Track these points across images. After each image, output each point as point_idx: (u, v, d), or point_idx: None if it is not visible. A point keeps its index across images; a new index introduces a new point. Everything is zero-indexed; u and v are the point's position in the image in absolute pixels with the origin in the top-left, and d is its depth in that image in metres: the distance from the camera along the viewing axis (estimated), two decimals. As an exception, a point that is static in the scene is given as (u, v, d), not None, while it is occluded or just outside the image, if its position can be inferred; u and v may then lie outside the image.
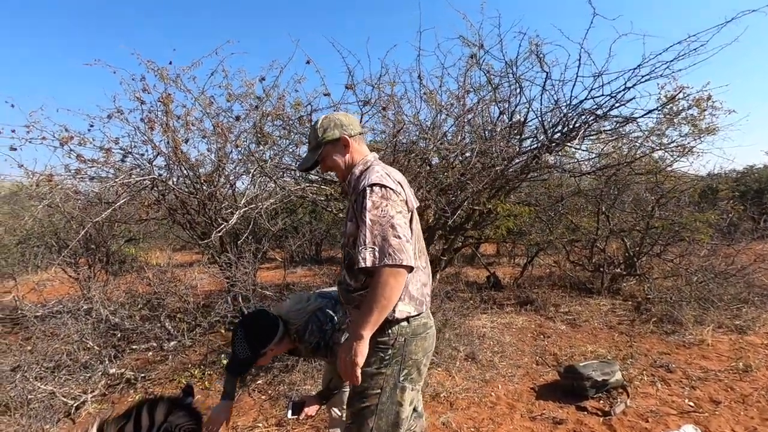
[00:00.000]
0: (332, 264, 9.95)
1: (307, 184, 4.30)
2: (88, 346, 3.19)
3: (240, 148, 4.78)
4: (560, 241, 5.90)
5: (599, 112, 3.83)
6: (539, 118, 4.04)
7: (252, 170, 4.42)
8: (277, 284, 6.26)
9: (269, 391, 3.12)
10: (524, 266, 6.78)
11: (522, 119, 4.26)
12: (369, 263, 1.29)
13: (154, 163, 4.51)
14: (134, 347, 3.87)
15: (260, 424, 2.69)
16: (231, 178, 5.01)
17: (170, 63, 4.35)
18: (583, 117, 3.93)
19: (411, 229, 1.43)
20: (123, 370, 3.33)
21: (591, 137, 4.41)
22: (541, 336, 4.14)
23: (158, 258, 9.10)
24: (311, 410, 1.95)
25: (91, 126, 4.33)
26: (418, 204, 1.70)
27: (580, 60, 3.63)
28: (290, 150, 4.79)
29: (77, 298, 4.33)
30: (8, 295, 4.18)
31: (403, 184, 1.49)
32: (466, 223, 4.68)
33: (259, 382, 3.26)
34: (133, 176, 4.19)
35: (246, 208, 3.55)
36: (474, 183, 3.81)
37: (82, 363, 3.13)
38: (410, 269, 1.31)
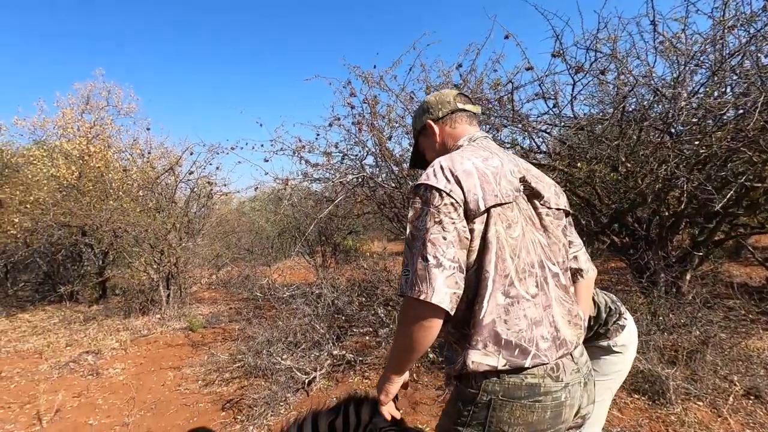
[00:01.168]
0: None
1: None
2: (317, 327, 3.62)
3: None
4: None
5: None
6: None
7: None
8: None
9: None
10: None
11: None
12: (401, 290, 1.00)
13: (364, 162, 4.88)
14: (354, 330, 4.26)
15: None
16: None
17: (374, 67, 4.60)
18: None
19: (487, 240, 0.99)
20: (344, 352, 3.66)
21: None
22: None
23: (375, 248, 10.16)
24: None
25: (317, 135, 4.99)
26: (530, 192, 1.13)
27: None
28: (491, 135, 4.48)
29: (312, 284, 5.07)
30: (264, 278, 5.28)
31: (469, 175, 1.02)
32: (736, 206, 3.44)
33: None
34: (348, 175, 4.62)
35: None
36: (754, 149, 2.71)
37: (314, 342, 3.57)
38: (430, 307, 0.93)
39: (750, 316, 3.66)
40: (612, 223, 3.74)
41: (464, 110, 1.26)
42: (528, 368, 0.97)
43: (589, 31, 3.49)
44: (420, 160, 1.38)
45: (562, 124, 4.19)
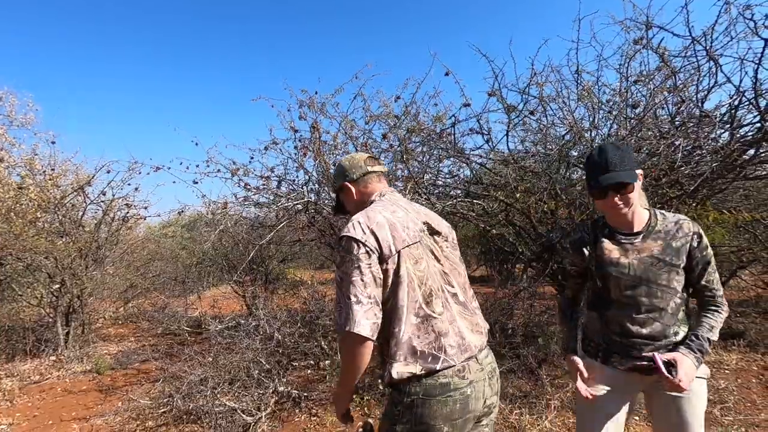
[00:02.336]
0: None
1: (459, 200, 4.05)
2: (260, 362, 3.36)
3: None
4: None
5: None
6: (754, 99, 3.16)
7: (397, 188, 4.35)
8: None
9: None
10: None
11: (735, 103, 3.39)
12: (336, 326, 1.32)
13: (305, 187, 4.77)
14: (294, 364, 4.02)
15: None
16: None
17: (315, 93, 4.59)
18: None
19: (400, 276, 1.26)
20: (288, 387, 3.42)
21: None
22: (771, 382, 3.15)
23: (303, 276, 9.82)
24: None
25: (251, 158, 4.78)
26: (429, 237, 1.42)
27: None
28: (431, 166, 4.66)
29: (246, 315, 4.72)
30: (195, 310, 4.80)
31: (381, 227, 1.29)
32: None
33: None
34: (290, 200, 4.46)
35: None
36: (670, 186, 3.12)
37: (256, 379, 3.29)
38: (355, 336, 1.19)
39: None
40: (544, 252, 4.02)
41: (373, 172, 1.52)
42: (439, 371, 1.23)
43: (521, 79, 3.83)
44: (341, 208, 1.65)
45: (496, 158, 4.50)
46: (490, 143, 4.31)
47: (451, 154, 4.35)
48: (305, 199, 4.52)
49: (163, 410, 3.36)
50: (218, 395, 3.02)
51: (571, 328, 1.68)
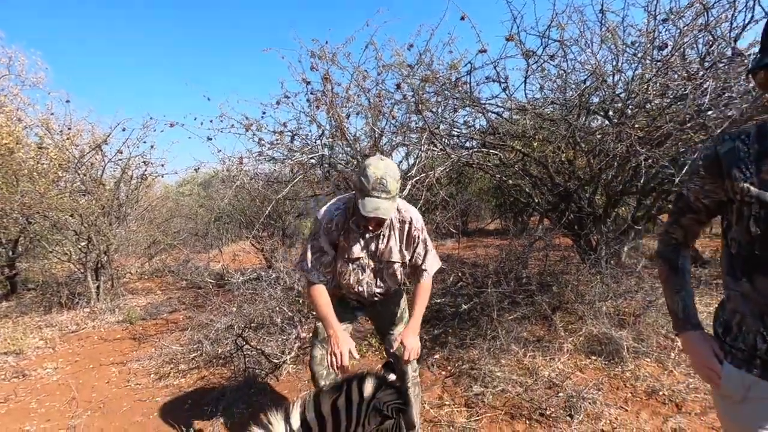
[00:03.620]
0: (480, 236, 9.61)
1: (474, 150, 3.99)
2: (283, 310, 3.50)
3: (395, 120, 4.71)
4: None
5: None
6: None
7: (412, 140, 4.29)
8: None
9: (449, 367, 3.01)
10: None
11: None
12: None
13: (318, 141, 4.73)
14: (314, 313, 4.18)
15: (447, 403, 2.58)
16: (387, 149, 5.01)
17: (326, 42, 4.44)
18: None
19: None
20: (309, 334, 3.58)
21: None
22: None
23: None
24: None
25: (264, 114, 4.73)
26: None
27: None
28: (446, 116, 4.55)
29: (266, 268, 4.87)
30: (217, 264, 4.97)
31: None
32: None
33: (436, 356, 3.17)
34: (304, 155, 4.45)
35: (418, 177, 3.43)
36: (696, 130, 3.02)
37: (279, 326, 3.45)
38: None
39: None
40: (561, 202, 4.00)
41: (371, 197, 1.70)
42: None
43: (542, 18, 3.64)
44: None
45: (513, 106, 4.36)
46: (507, 91, 4.17)
47: (467, 104, 4.24)
48: (319, 153, 4.51)
49: (193, 355, 3.57)
50: (245, 340, 3.18)
51: (684, 284, 1.12)
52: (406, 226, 1.93)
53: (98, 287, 5.73)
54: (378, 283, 2.00)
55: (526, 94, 4.19)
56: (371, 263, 1.98)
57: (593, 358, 2.88)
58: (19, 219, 5.33)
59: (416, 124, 4.38)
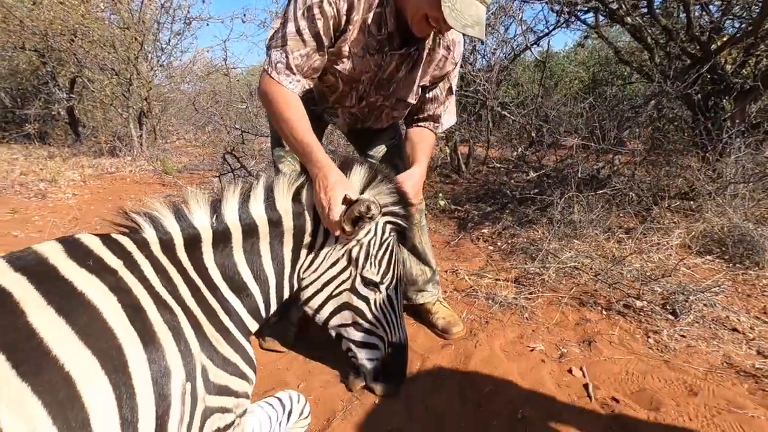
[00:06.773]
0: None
1: None
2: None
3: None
4: None
5: None
6: None
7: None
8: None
9: (498, 243, 2.32)
10: None
11: None
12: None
13: None
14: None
15: (489, 275, 1.93)
16: None
17: None
18: None
19: None
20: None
21: None
22: None
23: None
24: None
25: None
26: None
27: None
28: None
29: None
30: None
31: None
32: None
33: (483, 231, 2.49)
34: None
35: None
36: None
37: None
38: None
39: None
40: (696, 65, 2.84)
41: None
42: None
43: None
44: None
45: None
46: None
47: None
48: None
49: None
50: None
51: None
52: (447, 54, 1.27)
53: (140, 136, 5.54)
54: (370, 119, 1.40)
55: None
56: (373, 94, 1.26)
57: (708, 257, 2.03)
58: (70, 56, 5.06)
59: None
